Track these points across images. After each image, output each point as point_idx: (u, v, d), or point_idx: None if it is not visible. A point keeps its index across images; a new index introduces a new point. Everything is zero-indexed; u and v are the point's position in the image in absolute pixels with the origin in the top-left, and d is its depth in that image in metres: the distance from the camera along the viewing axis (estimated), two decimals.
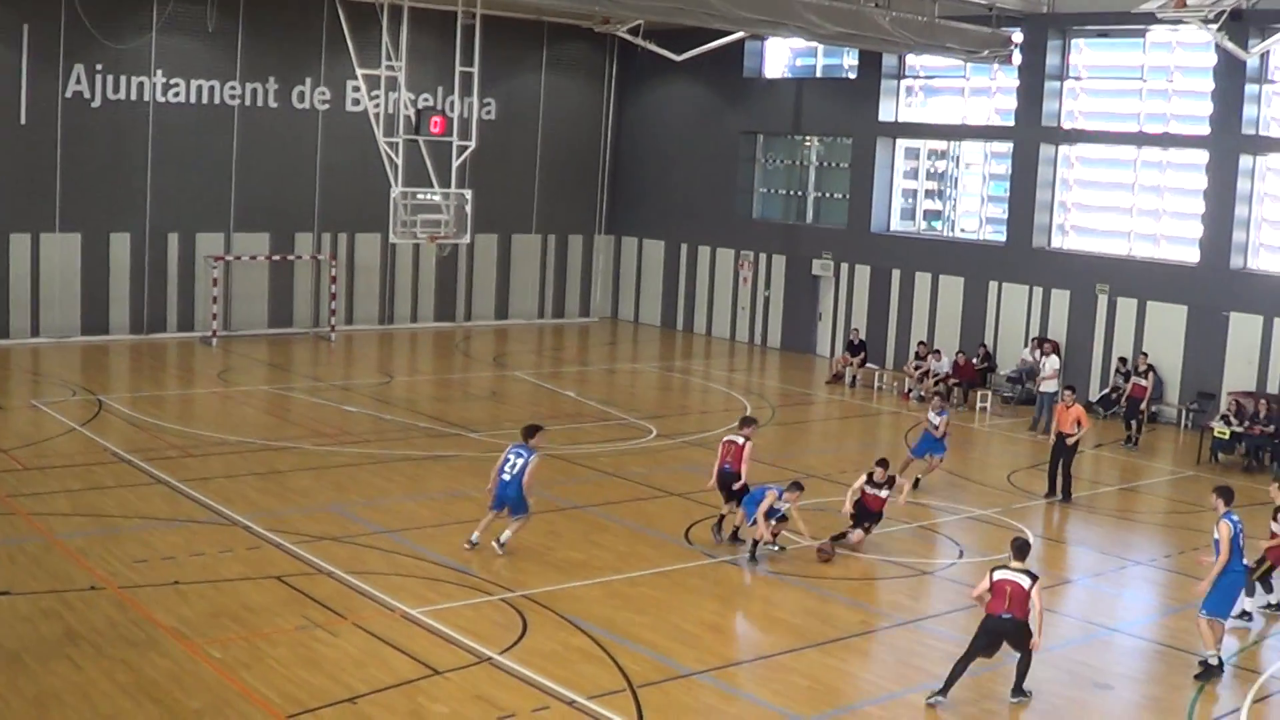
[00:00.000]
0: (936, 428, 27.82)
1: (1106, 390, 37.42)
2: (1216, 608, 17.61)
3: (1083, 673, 18.12)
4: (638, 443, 31.11)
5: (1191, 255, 37.35)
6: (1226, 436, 32.18)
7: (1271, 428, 32.29)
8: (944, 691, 16.44)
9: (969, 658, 16.54)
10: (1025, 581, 16.39)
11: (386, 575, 20.45)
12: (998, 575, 16.66)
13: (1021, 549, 16.83)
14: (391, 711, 15.44)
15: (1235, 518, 17.81)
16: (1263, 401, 33.17)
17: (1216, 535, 17.77)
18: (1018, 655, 16.65)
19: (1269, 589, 20.52)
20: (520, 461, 21.37)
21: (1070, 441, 27.39)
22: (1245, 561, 18.01)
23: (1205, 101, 36.91)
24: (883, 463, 23.22)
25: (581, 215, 52.15)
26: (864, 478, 23.03)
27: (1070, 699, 17.15)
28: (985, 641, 16.59)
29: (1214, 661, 16.96)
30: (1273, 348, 35.34)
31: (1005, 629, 16.42)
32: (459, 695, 16.01)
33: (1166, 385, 37.29)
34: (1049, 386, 34.61)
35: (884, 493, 22.94)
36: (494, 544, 21.51)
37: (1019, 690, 16.68)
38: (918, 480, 27.43)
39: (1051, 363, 35.62)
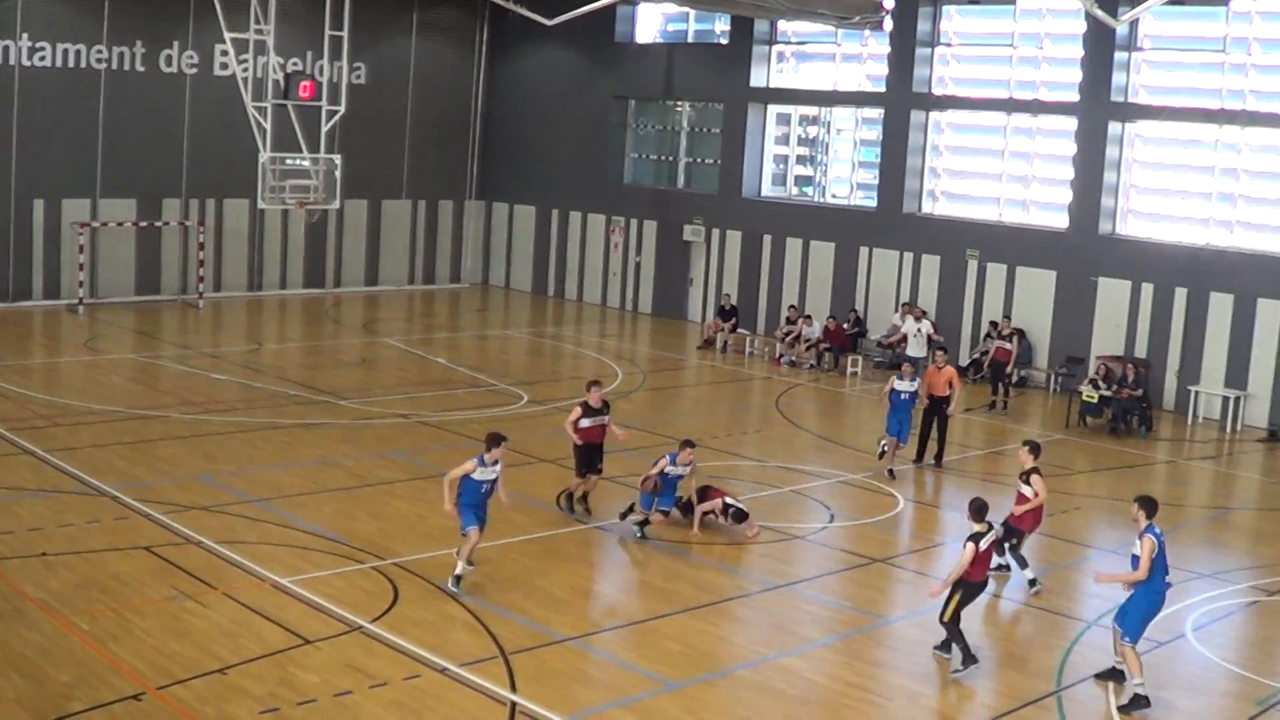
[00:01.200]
0: (915, 395, 26.93)
1: (976, 354, 37.61)
2: (1133, 631, 16.06)
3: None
4: (509, 409, 30.77)
5: (1061, 221, 37.63)
6: (1095, 400, 32.45)
7: (1139, 391, 32.62)
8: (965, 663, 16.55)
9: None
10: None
11: (256, 544, 20.02)
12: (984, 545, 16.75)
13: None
14: (262, 682, 15.07)
15: (1159, 532, 16.18)
16: (1130, 366, 33.46)
17: (1137, 550, 16.11)
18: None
19: (1023, 564, 20.19)
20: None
21: (951, 409, 27.32)
22: (1168, 580, 16.31)
23: (1075, 69, 37.14)
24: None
25: (452, 181, 51.54)
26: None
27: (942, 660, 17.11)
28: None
29: (1142, 692, 15.68)
30: (1140, 312, 35.72)
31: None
32: (330, 665, 15.67)
33: (1036, 350, 37.59)
34: (915, 350, 34.57)
35: None
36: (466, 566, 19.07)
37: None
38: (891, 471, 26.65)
39: (925, 328, 35.55)
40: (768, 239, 43.59)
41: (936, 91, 40.28)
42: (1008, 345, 34.61)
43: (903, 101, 40.40)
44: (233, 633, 16.49)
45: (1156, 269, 35.62)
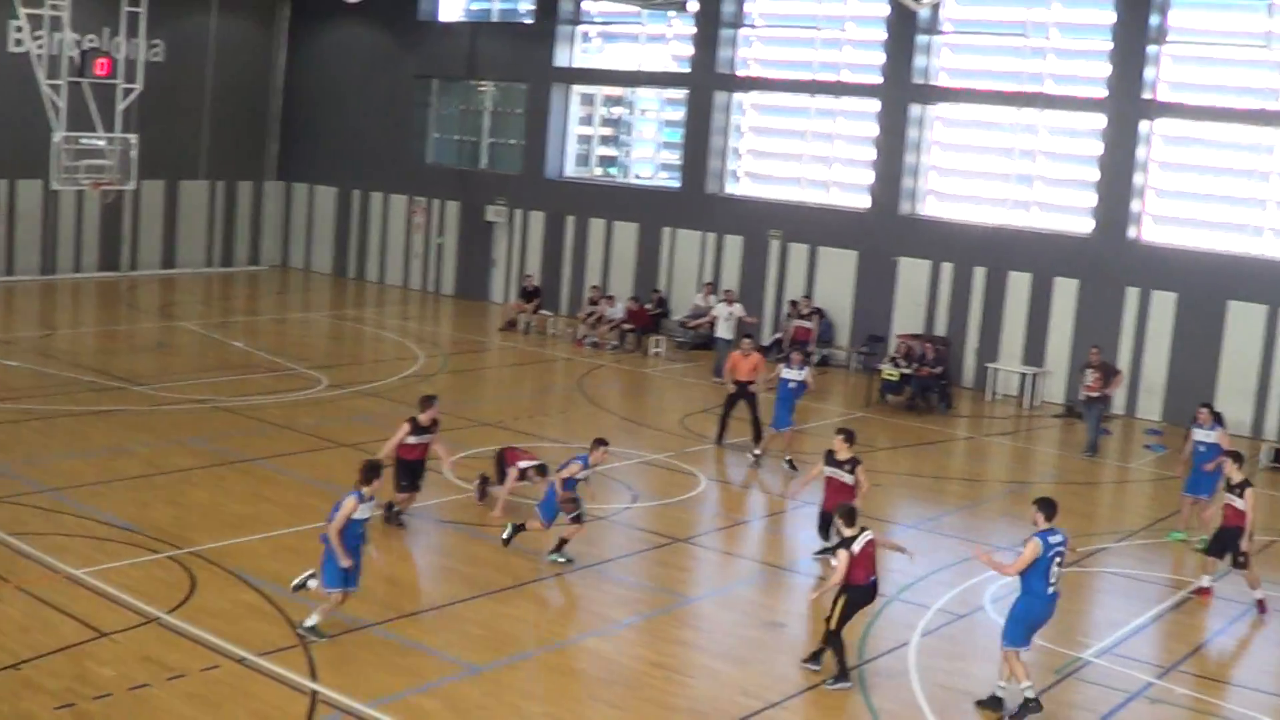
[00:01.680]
0: (803, 384, 26.38)
1: (777, 334, 37.72)
2: (1014, 636, 15.38)
3: (756, 612, 18.02)
4: (308, 393, 30.08)
5: (862, 201, 37.90)
6: (895, 379, 32.72)
7: (939, 369, 32.99)
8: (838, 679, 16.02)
9: None
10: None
11: (49, 535, 19.17)
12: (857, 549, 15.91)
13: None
14: (57, 676, 14.41)
15: (1054, 539, 15.36)
16: (929, 344, 33.84)
17: (1023, 549, 15.39)
18: None
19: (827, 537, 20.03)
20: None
21: (752, 389, 27.20)
22: (1052, 588, 15.37)
23: (878, 51, 37.41)
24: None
25: (251, 161, 50.32)
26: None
27: (746, 638, 17.00)
28: None
29: (1030, 695, 15.15)
30: (940, 292, 36.14)
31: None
32: (127, 657, 15.04)
33: (837, 329, 37.83)
34: (725, 332, 34.51)
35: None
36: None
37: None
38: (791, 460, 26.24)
39: (736, 310, 35.25)
40: (571, 220, 43.30)
41: (740, 73, 40.30)
42: (807, 324, 34.76)
43: (706, 82, 40.36)
44: (26, 627, 15.76)
45: (956, 249, 36.06)
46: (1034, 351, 34.95)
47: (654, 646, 16.43)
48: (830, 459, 19.97)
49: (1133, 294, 33.79)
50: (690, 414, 30.39)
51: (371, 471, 16.24)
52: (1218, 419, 23.19)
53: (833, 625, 15.83)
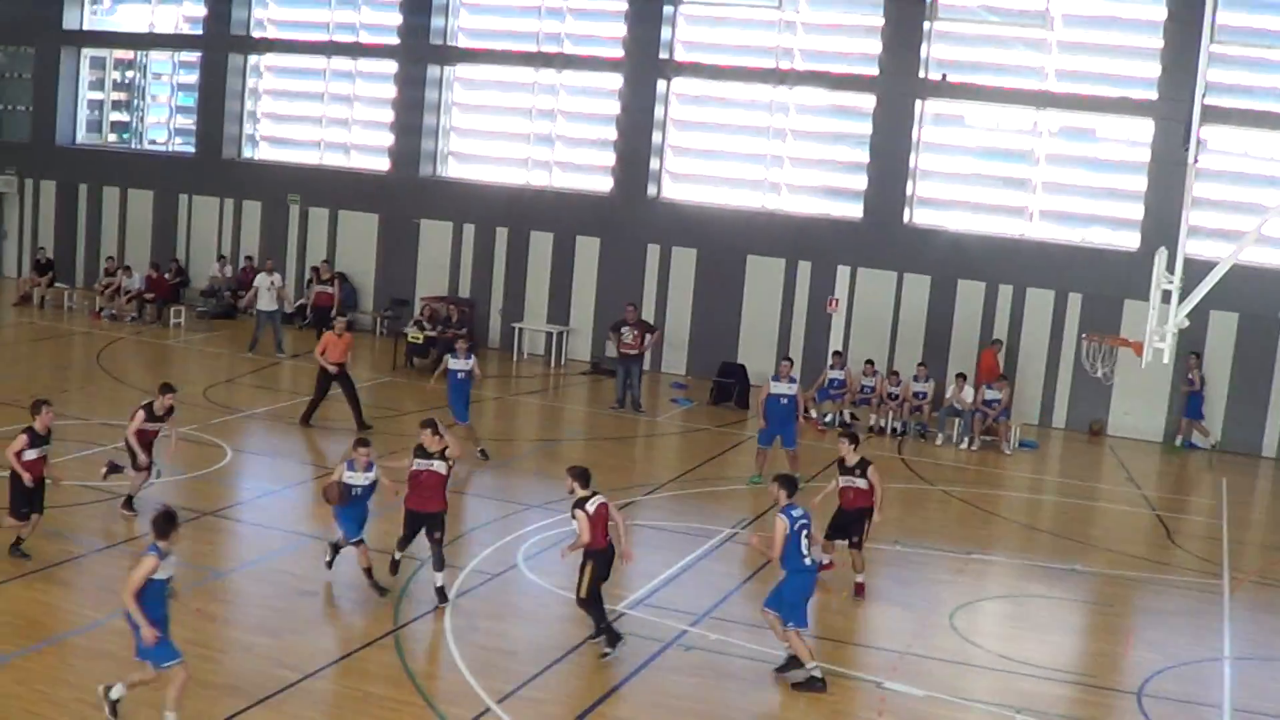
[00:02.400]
0: (471, 373, 25.43)
1: (301, 301, 37.14)
2: (794, 616, 15.55)
3: (288, 582, 17.66)
4: None
5: (383, 164, 37.65)
6: (420, 341, 32.72)
7: (464, 330, 33.12)
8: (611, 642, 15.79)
9: None
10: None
11: None
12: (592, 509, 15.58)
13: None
14: None
15: (797, 513, 15.60)
16: (454, 306, 33.98)
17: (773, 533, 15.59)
18: None
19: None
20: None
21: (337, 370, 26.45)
22: (811, 559, 15.82)
23: (395, 12, 37.18)
24: (167, 388, 20.51)
25: None
26: (143, 412, 19.94)
27: (279, 610, 16.64)
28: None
29: (818, 674, 15.32)
30: (463, 253, 36.31)
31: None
32: None
33: (361, 293, 37.54)
34: (267, 304, 33.66)
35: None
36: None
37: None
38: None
39: (276, 281, 34.29)
40: (84, 189, 41.46)
41: (255, 34, 39.39)
42: (329, 289, 34.35)
43: (221, 44, 39.28)
44: None
45: (478, 210, 36.30)
46: (559, 310, 35.54)
47: (186, 623, 15.87)
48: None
49: (654, 251, 34.75)
50: (213, 385, 29.62)
51: (167, 524, 13.24)
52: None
53: (583, 593, 15.74)
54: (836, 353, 31.68)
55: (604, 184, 35.71)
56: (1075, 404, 32.23)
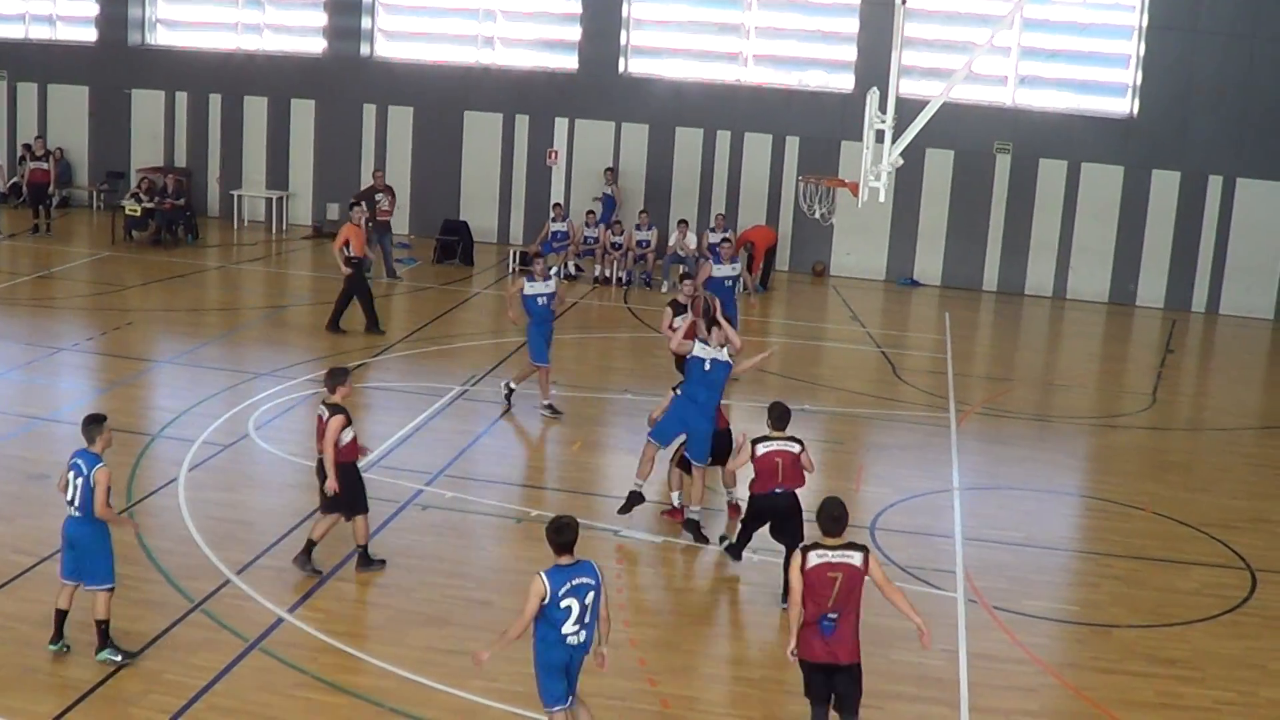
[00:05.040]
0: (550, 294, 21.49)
1: (15, 179, 36.09)
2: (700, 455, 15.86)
3: (17, 465, 17.38)
4: None
5: (90, 34, 36.54)
6: (138, 214, 32.09)
7: (182, 201, 32.67)
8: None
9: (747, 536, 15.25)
10: (795, 448, 14.51)
11: None
12: (761, 449, 14.57)
13: (781, 416, 14.69)
14: None
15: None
16: (171, 176, 33.40)
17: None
18: None
19: None
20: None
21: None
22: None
23: None
24: None
25: None
26: None
27: (8, 494, 16.37)
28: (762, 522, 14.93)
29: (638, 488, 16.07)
30: (177, 123, 35.64)
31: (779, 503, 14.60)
32: None
33: (76, 168, 36.62)
34: None
35: None
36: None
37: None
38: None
39: None
40: None
41: None
42: (45, 166, 33.44)
43: None
44: None
45: (190, 78, 35.59)
46: (277, 175, 35.23)
47: None
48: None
49: (370, 111, 34.57)
50: None
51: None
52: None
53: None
54: (557, 205, 32.05)
55: (317, 45, 35.26)
56: (798, 247, 33.25)
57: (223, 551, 14.83)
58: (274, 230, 34.44)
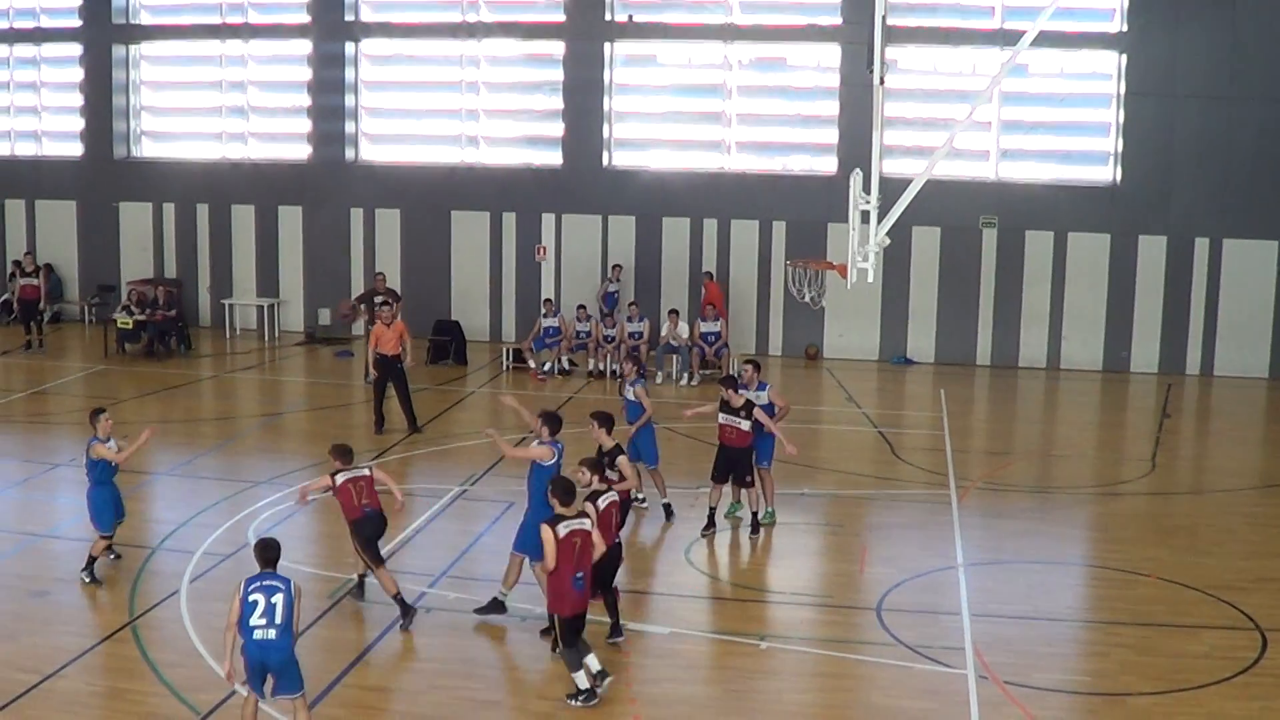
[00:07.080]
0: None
1: (5, 295, 36.19)
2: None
3: (19, 584, 17.28)
4: None
5: (76, 150, 36.76)
6: (130, 326, 32.17)
7: (173, 312, 32.75)
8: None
9: None
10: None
11: None
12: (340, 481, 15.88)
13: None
14: None
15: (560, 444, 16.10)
16: (161, 288, 33.50)
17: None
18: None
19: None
20: (283, 598, 12.68)
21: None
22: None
23: None
24: None
25: None
26: None
27: (10, 612, 16.29)
28: None
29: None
30: (165, 233, 35.82)
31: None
32: None
33: (66, 283, 36.74)
34: None
35: None
36: None
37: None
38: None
39: None
40: None
41: None
42: (34, 282, 33.54)
43: None
44: None
45: (177, 189, 35.86)
46: (267, 283, 35.35)
47: None
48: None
49: (358, 214, 34.78)
50: None
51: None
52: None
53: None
54: (548, 300, 32.19)
55: (302, 151, 35.50)
56: (790, 330, 33.38)
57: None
58: (266, 338, 34.51)
